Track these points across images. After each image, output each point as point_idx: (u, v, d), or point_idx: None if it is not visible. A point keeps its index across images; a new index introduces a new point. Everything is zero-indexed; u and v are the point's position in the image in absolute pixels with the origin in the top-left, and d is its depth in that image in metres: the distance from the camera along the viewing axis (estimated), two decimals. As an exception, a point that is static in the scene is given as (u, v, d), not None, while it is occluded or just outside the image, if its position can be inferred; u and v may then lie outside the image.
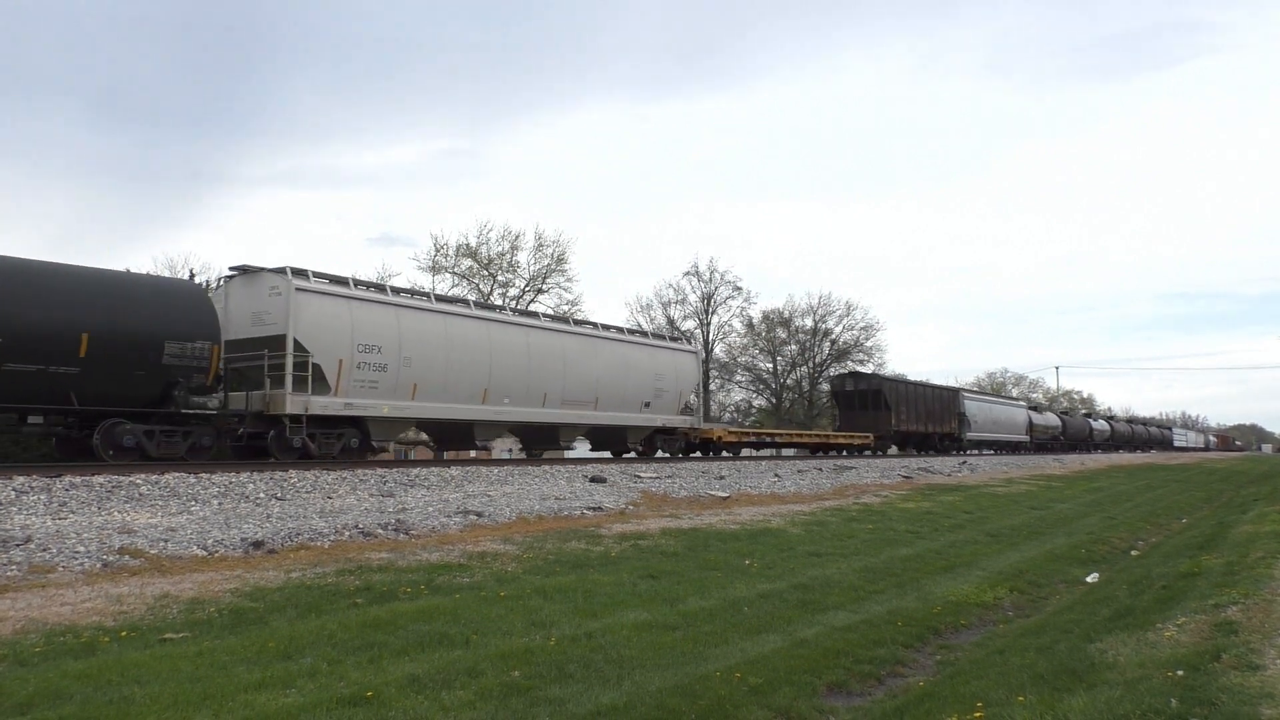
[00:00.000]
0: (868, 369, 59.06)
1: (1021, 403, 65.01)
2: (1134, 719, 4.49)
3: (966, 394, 49.84)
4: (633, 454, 27.54)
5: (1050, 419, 65.26)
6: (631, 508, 14.67)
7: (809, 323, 63.44)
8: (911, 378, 50.96)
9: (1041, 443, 60.51)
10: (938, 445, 45.39)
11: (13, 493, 10.88)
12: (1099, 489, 27.73)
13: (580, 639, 6.64)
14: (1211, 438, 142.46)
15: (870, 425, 39.47)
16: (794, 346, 62.71)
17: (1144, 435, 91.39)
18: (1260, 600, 7.13)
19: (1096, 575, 11.68)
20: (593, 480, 17.50)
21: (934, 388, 46.86)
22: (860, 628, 7.81)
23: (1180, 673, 5.20)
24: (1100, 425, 77.79)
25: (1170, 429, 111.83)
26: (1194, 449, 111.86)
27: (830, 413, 53.88)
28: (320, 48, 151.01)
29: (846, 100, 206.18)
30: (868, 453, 38.52)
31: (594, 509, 13.95)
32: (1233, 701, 4.49)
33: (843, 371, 48.66)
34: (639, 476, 18.86)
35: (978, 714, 5.12)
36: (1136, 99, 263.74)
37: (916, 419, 42.76)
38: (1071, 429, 68.58)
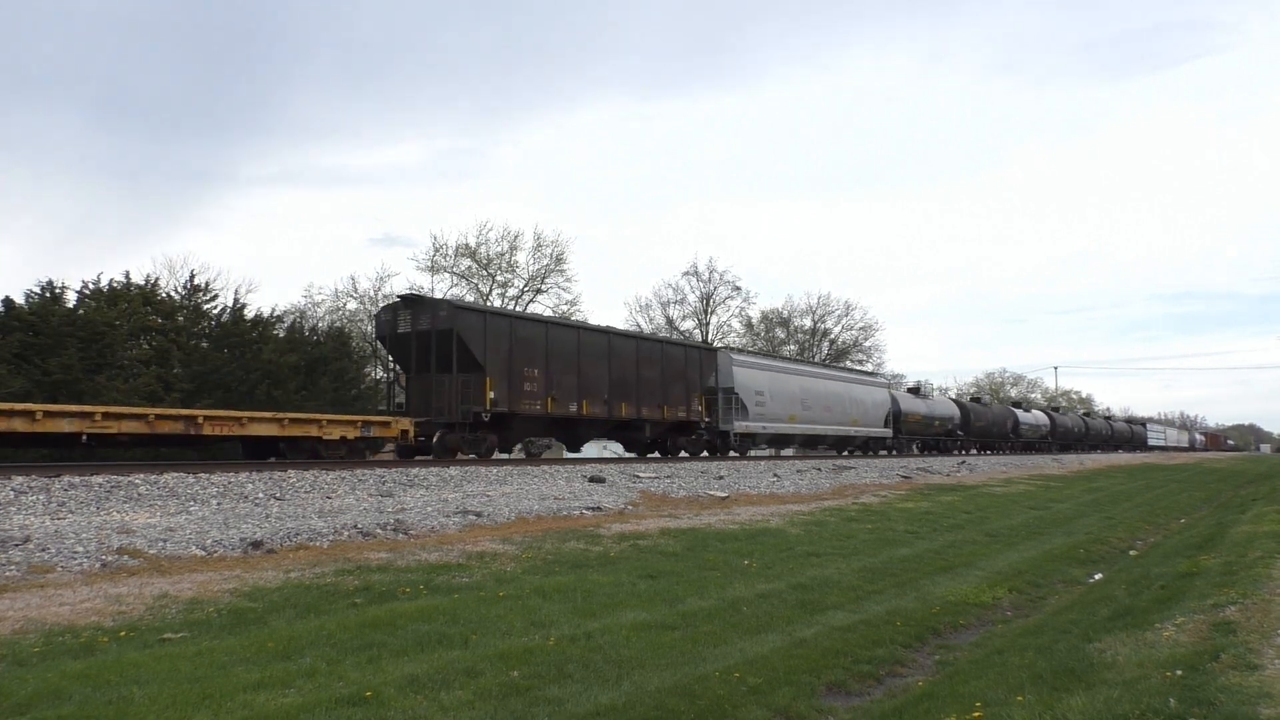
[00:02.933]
0: (865, 368, 57.58)
1: (881, 380, 47.12)
2: (1133, 719, 4.49)
3: (740, 356, 32.51)
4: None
5: (938, 406, 49.46)
6: (630, 508, 14.67)
7: (808, 323, 63.62)
8: (549, 314, 34.74)
9: (927, 440, 47.03)
10: (663, 443, 27.48)
11: (11, 493, 10.87)
12: (1098, 489, 27.75)
13: (579, 639, 6.64)
14: (1199, 436, 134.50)
15: (443, 399, 19.96)
16: (793, 346, 62.77)
17: (1102, 432, 78.67)
18: (1259, 600, 7.14)
19: (1100, 575, 11.69)
20: (592, 480, 17.50)
21: (624, 337, 25.79)
22: (859, 628, 7.81)
23: (1179, 672, 5.20)
24: (1031, 418, 62.51)
25: (1145, 425, 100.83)
26: (1176, 448, 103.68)
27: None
28: (322, 47, 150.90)
29: (848, 99, 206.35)
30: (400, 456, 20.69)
31: (593, 509, 13.95)
32: (1231, 701, 4.49)
33: (393, 300, 22.64)
34: (638, 476, 18.86)
35: (977, 714, 5.12)
36: (1138, 99, 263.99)
37: (568, 390, 22.43)
38: (981, 420, 52.86)
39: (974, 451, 51.48)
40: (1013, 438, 57.47)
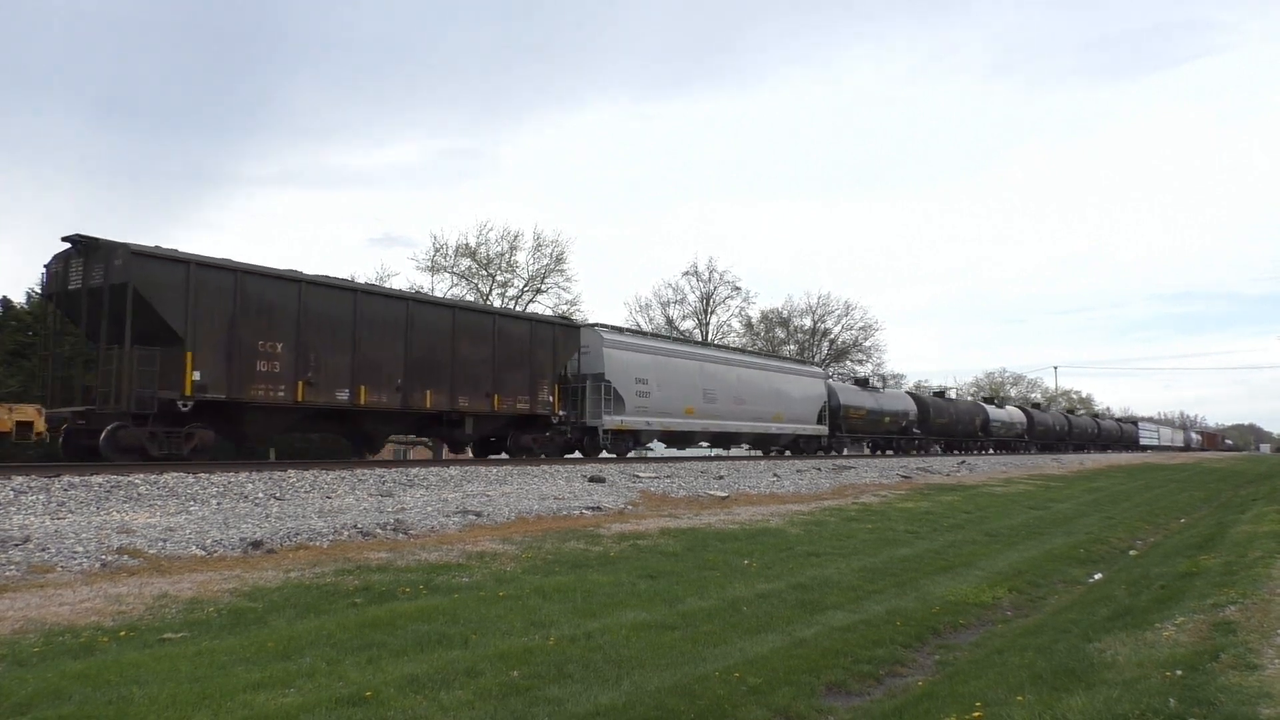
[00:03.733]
0: (865, 368, 57.49)
1: (814, 370, 39.07)
2: (1133, 718, 4.49)
3: (615, 336, 26.34)
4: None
5: (889, 401, 42.34)
6: (630, 507, 14.66)
7: (808, 322, 63.57)
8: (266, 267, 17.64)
9: (877, 439, 41.32)
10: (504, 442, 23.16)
11: (11, 493, 10.87)
12: (1098, 489, 27.74)
13: (579, 639, 6.64)
14: (1195, 435, 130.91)
15: (112, 380, 15.15)
16: (792, 346, 62.75)
17: (1087, 431, 73.03)
18: (1259, 600, 7.14)
19: (1100, 575, 11.68)
20: (592, 480, 17.50)
21: (434, 306, 21.22)
22: (859, 628, 7.81)
23: (1179, 672, 5.20)
24: (1005, 415, 56.53)
25: (1136, 424, 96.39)
26: (1171, 448, 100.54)
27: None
28: (323, 47, 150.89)
29: (848, 99, 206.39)
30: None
31: (593, 509, 13.95)
32: (1231, 701, 4.49)
33: (63, 248, 15.88)
34: (638, 476, 18.86)
35: (977, 714, 5.12)
36: (1138, 99, 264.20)
37: (337, 372, 17.68)
38: (944, 417, 45.99)
39: (936, 451, 46.17)
40: (982, 436, 51.97)
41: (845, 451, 39.34)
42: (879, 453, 41.97)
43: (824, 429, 36.17)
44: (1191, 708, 4.48)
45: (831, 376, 41.32)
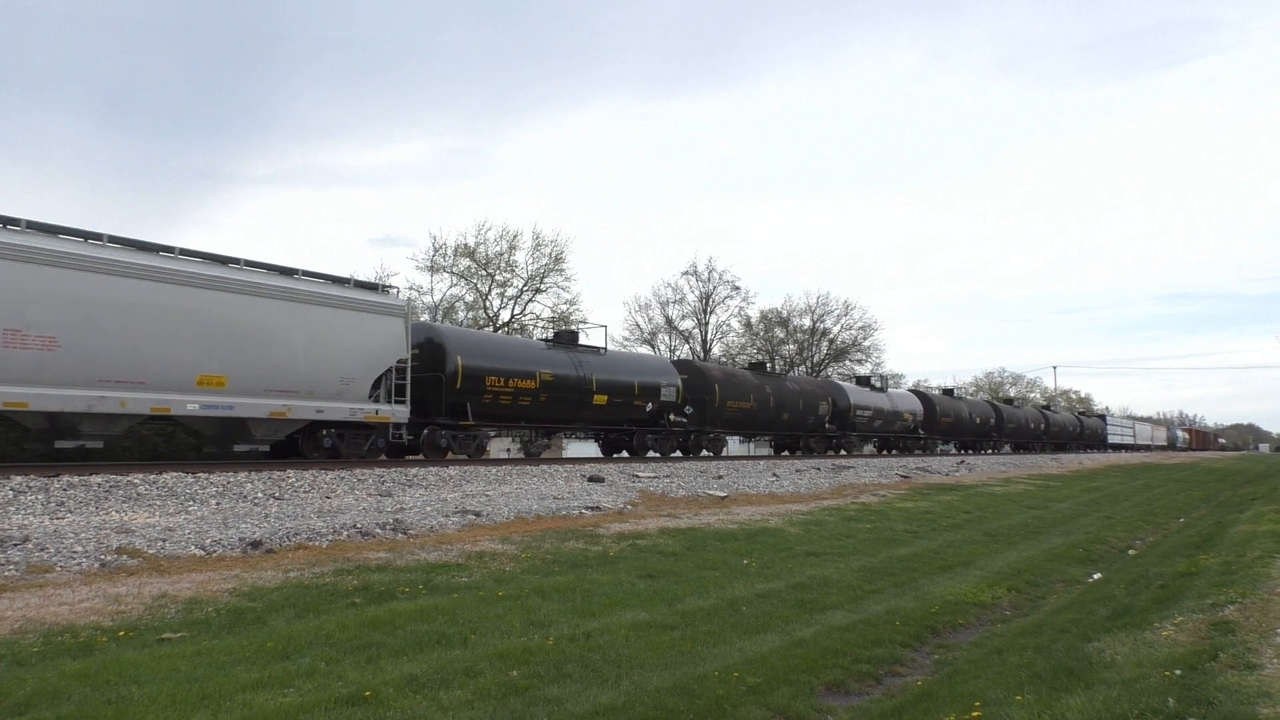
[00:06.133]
0: (864, 368, 55.68)
1: (392, 304, 18.48)
2: (1132, 718, 4.49)
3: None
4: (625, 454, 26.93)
5: (552, 359, 22.34)
6: (630, 507, 14.67)
7: (807, 322, 63.59)
8: None
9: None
10: None
11: (10, 492, 10.86)
12: (1097, 489, 27.76)
13: (578, 639, 6.64)
14: (1180, 433, 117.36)
15: None
16: (792, 346, 62.82)
17: (1026, 426, 57.18)
18: (1258, 600, 7.14)
19: (1099, 574, 11.69)
20: (591, 480, 17.50)
21: None
22: (858, 627, 7.81)
23: (1178, 672, 5.20)
24: (878, 401, 39.96)
25: (1104, 418, 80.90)
26: (1152, 447, 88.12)
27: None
28: (324, 47, 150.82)
29: (849, 99, 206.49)
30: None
31: (592, 509, 13.95)
32: (1230, 701, 4.49)
33: None
34: (637, 476, 18.87)
35: (976, 713, 5.12)
36: (1140, 98, 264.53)
37: None
38: (782, 403, 32.92)
39: (676, 455, 28.09)
40: (825, 428, 36.15)
41: (512, 446, 33.01)
42: (886, 452, 40.82)
43: (390, 409, 18.09)
44: (1190, 707, 4.48)
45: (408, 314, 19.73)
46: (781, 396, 33.68)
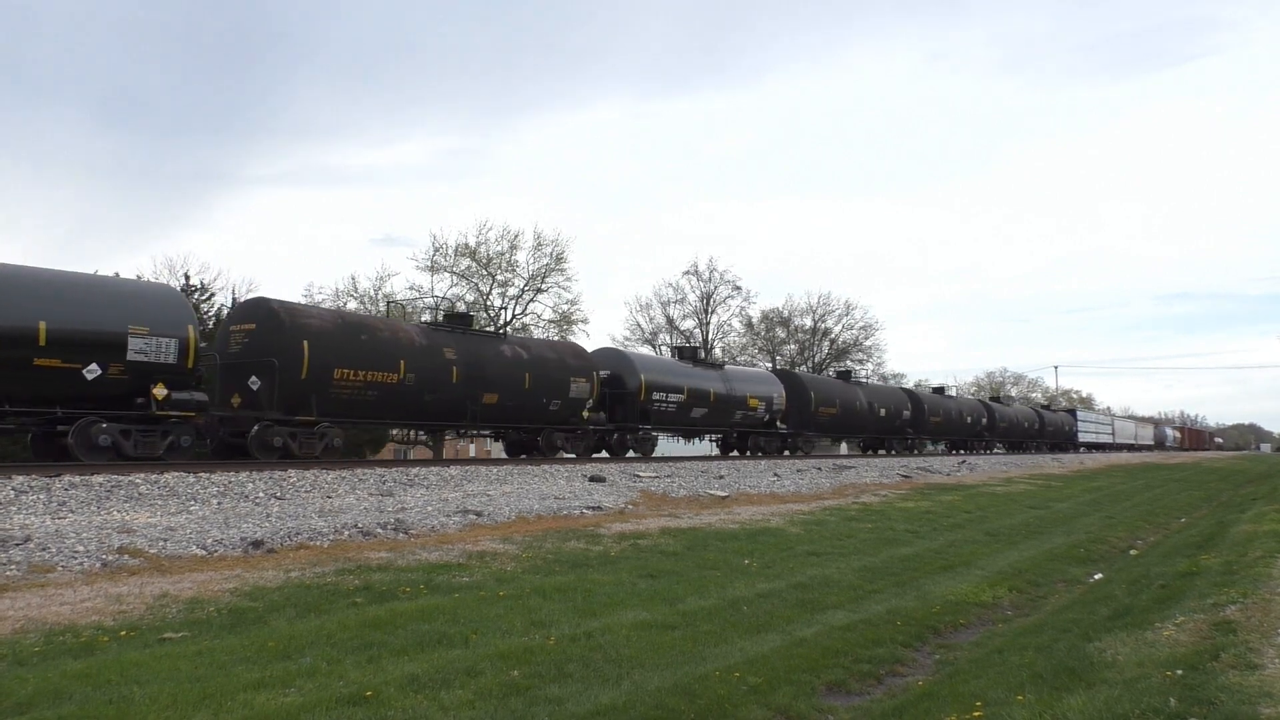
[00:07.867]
0: (863, 368, 53.27)
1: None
2: (1133, 718, 4.49)
3: None
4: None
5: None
6: (631, 507, 14.67)
7: (808, 322, 63.53)
8: None
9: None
10: None
11: (12, 492, 10.86)
12: (1098, 488, 27.74)
13: (579, 638, 6.64)
14: (1170, 431, 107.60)
15: None
16: (793, 346, 62.78)
17: (1010, 423, 52.44)
18: (1259, 600, 7.13)
19: (1100, 574, 11.68)
20: (592, 480, 17.50)
21: None
22: (859, 627, 7.81)
23: (1179, 672, 5.20)
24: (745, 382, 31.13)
25: (1074, 413, 71.40)
26: (1136, 446, 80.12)
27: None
28: (324, 47, 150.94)
29: (851, 99, 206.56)
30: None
31: (593, 508, 13.95)
32: (1231, 701, 4.49)
33: None
34: (638, 476, 18.86)
35: (977, 713, 5.12)
36: (1140, 98, 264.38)
37: None
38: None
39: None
40: (659, 416, 27.09)
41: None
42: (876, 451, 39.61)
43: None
44: (1192, 707, 4.48)
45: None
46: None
